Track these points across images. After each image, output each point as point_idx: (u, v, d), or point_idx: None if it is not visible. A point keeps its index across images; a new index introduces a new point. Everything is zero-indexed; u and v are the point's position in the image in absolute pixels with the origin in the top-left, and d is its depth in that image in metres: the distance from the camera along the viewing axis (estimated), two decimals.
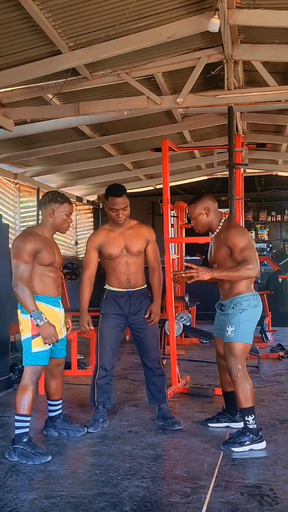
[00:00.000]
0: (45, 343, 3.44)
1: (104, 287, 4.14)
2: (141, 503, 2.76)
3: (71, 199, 3.77)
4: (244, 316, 3.57)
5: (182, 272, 3.62)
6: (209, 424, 4.04)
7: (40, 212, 3.69)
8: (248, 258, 3.50)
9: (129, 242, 4.02)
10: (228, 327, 3.58)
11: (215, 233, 3.76)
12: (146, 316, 4.06)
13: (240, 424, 3.97)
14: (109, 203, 3.97)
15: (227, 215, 5.38)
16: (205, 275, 3.51)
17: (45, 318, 3.43)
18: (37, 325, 3.41)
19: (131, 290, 4.05)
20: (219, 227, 3.73)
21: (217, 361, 3.99)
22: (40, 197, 3.75)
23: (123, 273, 4.02)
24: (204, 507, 2.72)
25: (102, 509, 2.70)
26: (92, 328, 4.10)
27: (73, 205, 3.77)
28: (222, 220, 3.75)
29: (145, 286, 4.15)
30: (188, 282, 3.58)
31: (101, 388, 4.07)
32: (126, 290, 4.04)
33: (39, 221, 3.84)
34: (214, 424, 4.03)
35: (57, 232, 3.74)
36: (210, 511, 2.69)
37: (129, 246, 4.01)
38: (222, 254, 3.63)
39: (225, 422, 4.02)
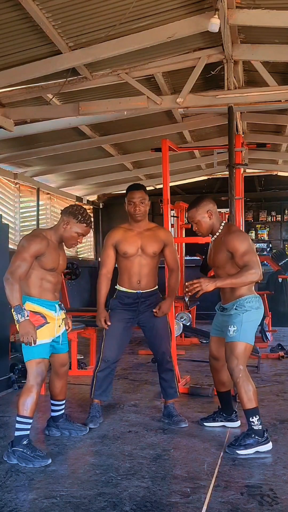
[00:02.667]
0: (22, 341, 3.40)
1: (115, 287, 4.16)
2: (141, 503, 2.76)
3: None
4: (247, 317, 3.57)
5: (186, 286, 3.55)
6: (205, 424, 4.05)
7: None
8: (249, 262, 3.48)
9: (146, 242, 4.04)
10: (230, 327, 3.57)
11: (215, 236, 3.73)
12: (154, 310, 4.07)
13: (236, 424, 4.01)
14: (127, 198, 4.06)
15: (227, 215, 5.39)
16: (208, 286, 3.48)
17: (27, 316, 3.39)
18: (17, 320, 3.37)
19: (141, 291, 4.06)
20: (220, 230, 3.71)
21: (210, 362, 3.98)
22: (68, 206, 3.74)
23: (136, 273, 4.04)
24: (204, 507, 2.72)
25: (102, 509, 2.70)
26: (110, 323, 4.07)
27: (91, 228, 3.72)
28: (223, 223, 3.73)
29: (156, 287, 4.16)
30: (196, 296, 3.56)
31: (99, 380, 4.07)
32: (135, 291, 4.06)
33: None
34: (210, 423, 4.04)
35: None
36: (210, 511, 2.69)
37: (145, 246, 4.04)
38: (222, 258, 3.62)
39: (221, 421, 4.03)
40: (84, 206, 12.17)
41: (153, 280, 4.13)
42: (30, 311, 3.44)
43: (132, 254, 4.02)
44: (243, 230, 5.99)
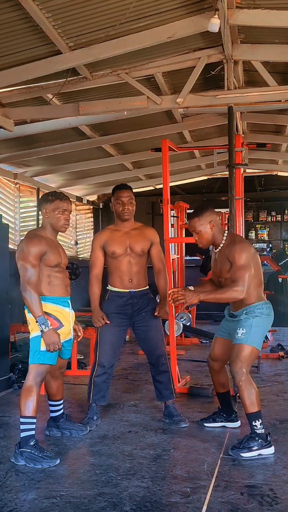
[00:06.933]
0: (47, 350, 3.41)
1: (107, 288, 4.16)
2: (141, 503, 2.76)
3: (71, 199, 3.73)
4: (256, 322, 3.56)
5: (173, 292, 3.59)
6: (205, 424, 4.05)
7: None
8: (238, 279, 3.47)
9: (133, 241, 4.06)
10: (239, 329, 3.56)
11: (219, 248, 3.68)
12: (156, 314, 4.09)
13: (236, 424, 4.02)
14: (115, 197, 4.08)
15: (227, 215, 5.38)
16: (192, 299, 3.53)
17: (50, 325, 3.41)
18: (42, 331, 3.38)
19: (133, 290, 4.06)
20: (223, 241, 3.66)
21: (208, 363, 3.97)
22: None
23: (126, 272, 4.05)
24: (204, 507, 2.72)
25: (102, 509, 2.70)
26: (108, 322, 4.06)
27: (72, 204, 3.72)
28: (225, 233, 3.68)
29: (147, 287, 4.17)
30: (180, 306, 3.58)
31: (97, 385, 4.08)
32: (128, 290, 4.06)
33: (39, 222, 3.82)
34: (210, 424, 4.04)
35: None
36: (210, 511, 2.69)
37: (133, 245, 4.05)
38: (227, 268, 3.59)
39: (221, 422, 4.03)
40: (84, 206, 12.25)
41: (144, 278, 4.13)
42: (44, 312, 3.42)
43: (120, 253, 4.04)
44: (244, 229, 6.00)
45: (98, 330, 4.12)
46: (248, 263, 3.51)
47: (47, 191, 3.82)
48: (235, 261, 3.51)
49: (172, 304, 3.66)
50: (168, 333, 5.27)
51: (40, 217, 4.51)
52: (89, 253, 4.26)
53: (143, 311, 4.09)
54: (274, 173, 11.42)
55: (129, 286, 4.06)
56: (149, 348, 4.18)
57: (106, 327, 4.07)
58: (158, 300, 4.30)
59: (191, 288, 3.78)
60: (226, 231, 3.72)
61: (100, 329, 4.09)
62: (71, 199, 3.73)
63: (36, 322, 3.39)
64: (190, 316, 8.45)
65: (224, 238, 3.66)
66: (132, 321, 4.12)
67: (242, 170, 5.89)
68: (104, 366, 4.07)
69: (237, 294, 3.47)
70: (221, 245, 3.66)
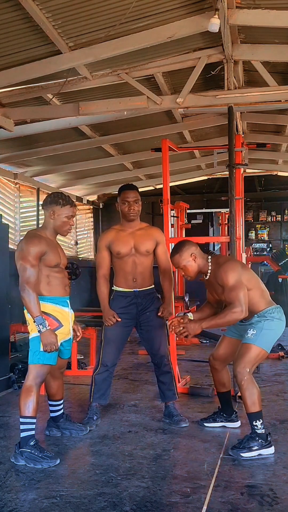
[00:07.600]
0: (45, 351, 3.41)
1: (112, 288, 4.16)
2: (141, 503, 2.76)
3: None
4: (267, 325, 3.57)
5: (174, 324, 3.68)
6: (205, 424, 4.05)
7: (43, 213, 3.66)
8: (234, 300, 3.48)
9: (139, 241, 4.06)
10: (249, 330, 3.58)
11: (208, 274, 3.70)
12: (159, 314, 4.10)
13: (236, 424, 4.02)
14: (121, 198, 4.07)
15: (227, 215, 5.37)
16: (195, 330, 3.60)
17: (48, 326, 3.41)
18: (39, 331, 3.38)
19: (138, 290, 4.07)
20: (209, 267, 3.69)
21: (210, 362, 3.97)
22: (44, 198, 3.73)
23: (130, 272, 4.05)
24: (204, 507, 2.72)
25: (102, 509, 2.70)
26: (120, 319, 4.06)
27: (76, 207, 3.72)
28: (209, 258, 3.70)
29: (152, 286, 4.17)
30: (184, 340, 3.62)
31: (98, 383, 4.08)
32: (132, 290, 4.06)
33: (39, 222, 3.82)
34: (210, 424, 4.04)
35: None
36: (210, 511, 2.69)
37: (138, 245, 4.05)
38: (221, 292, 3.62)
39: (221, 422, 4.03)
40: (84, 206, 12.25)
41: (149, 278, 4.13)
42: (42, 312, 3.42)
43: (125, 254, 4.04)
44: (244, 229, 5.99)
45: (102, 329, 4.12)
46: (238, 281, 3.53)
47: (48, 191, 3.82)
48: (224, 283, 3.54)
49: (176, 337, 3.71)
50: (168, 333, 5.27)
51: (41, 217, 4.45)
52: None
53: (147, 311, 4.09)
54: (274, 173, 11.43)
55: (133, 285, 4.06)
56: (152, 348, 4.18)
57: (111, 326, 4.07)
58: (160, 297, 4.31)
59: (190, 315, 3.81)
60: (210, 256, 3.73)
61: (105, 328, 4.10)
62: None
63: (34, 322, 3.39)
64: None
65: (209, 263, 3.69)
66: (137, 321, 4.12)
67: (242, 170, 5.89)
68: (106, 365, 4.08)
69: (236, 315, 3.49)
70: (209, 271, 3.69)
